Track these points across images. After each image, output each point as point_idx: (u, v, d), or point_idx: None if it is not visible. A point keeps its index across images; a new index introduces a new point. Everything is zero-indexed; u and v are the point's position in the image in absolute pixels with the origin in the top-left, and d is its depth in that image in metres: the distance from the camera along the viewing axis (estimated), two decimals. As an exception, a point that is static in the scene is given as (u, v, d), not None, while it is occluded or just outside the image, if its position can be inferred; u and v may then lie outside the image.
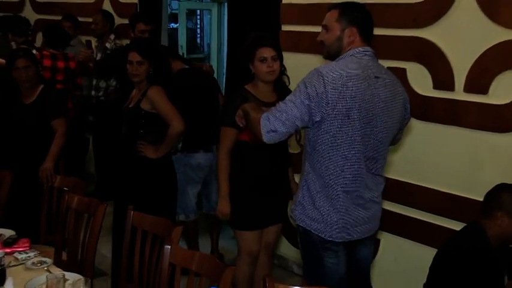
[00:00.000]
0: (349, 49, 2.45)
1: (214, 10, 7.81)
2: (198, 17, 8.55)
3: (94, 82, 5.19)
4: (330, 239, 2.50)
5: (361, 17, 2.47)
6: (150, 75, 3.34)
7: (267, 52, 2.93)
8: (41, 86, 3.79)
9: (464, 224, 3.02)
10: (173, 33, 7.40)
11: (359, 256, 2.69)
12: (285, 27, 3.86)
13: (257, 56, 2.94)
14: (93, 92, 5.21)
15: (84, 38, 5.46)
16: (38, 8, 6.52)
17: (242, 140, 3.00)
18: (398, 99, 2.52)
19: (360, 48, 2.44)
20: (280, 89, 3.03)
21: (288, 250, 4.07)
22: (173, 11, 8.05)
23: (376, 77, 2.43)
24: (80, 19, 5.55)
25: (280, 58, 3.01)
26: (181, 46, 7.45)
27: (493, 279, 2.45)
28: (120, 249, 2.88)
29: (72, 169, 3.86)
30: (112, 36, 5.13)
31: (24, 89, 3.73)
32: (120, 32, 5.27)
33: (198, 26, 8.57)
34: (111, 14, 5.28)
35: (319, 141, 2.43)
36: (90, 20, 5.27)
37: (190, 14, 8.29)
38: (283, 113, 2.39)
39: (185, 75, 3.90)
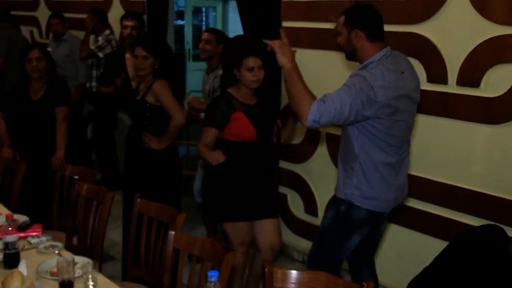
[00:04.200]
0: (369, 53, 2.63)
1: (219, 7, 7.94)
2: (204, 14, 8.70)
3: (94, 73, 5.40)
4: (382, 211, 2.77)
5: (364, 19, 2.64)
6: (156, 70, 3.46)
7: (254, 61, 3.01)
8: (49, 81, 3.93)
9: (456, 212, 3.17)
10: (180, 30, 7.55)
11: (380, 230, 3.00)
12: (286, 24, 3.97)
13: (244, 64, 3.01)
14: (93, 83, 5.41)
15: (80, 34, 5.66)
16: (52, 6, 6.66)
17: (226, 138, 3.12)
18: (417, 86, 2.78)
19: (381, 52, 2.63)
20: (260, 91, 3.16)
21: (288, 237, 4.19)
22: (180, 9, 8.20)
23: (402, 72, 2.64)
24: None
25: (265, 66, 3.07)
26: (188, 42, 7.61)
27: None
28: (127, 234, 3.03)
29: (76, 158, 4.01)
30: (107, 32, 5.38)
31: (35, 81, 3.87)
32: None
33: (204, 23, 8.72)
34: (102, 11, 5.53)
35: (367, 133, 2.64)
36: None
37: (196, 11, 8.44)
38: (336, 112, 2.49)
39: None
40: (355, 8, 2.72)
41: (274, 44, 2.59)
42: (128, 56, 4.36)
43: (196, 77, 7.71)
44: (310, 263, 2.94)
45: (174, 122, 3.43)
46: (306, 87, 2.57)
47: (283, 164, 4.21)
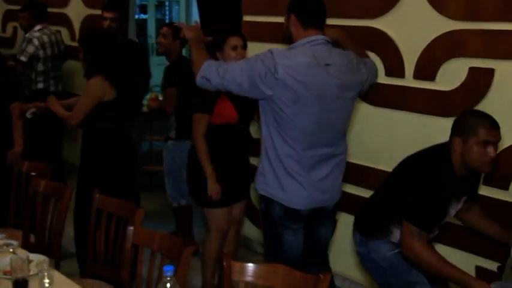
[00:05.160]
0: (299, 39, 2.60)
1: (183, 1, 7.91)
2: (167, 8, 8.65)
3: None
4: (294, 207, 2.73)
5: (298, 5, 2.63)
6: (91, 64, 3.45)
7: (238, 41, 3.12)
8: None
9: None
10: (143, 24, 7.49)
11: (320, 233, 2.94)
12: (247, 18, 3.98)
13: (228, 43, 3.10)
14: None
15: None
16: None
17: (209, 122, 3.15)
18: (354, 81, 2.71)
19: (308, 38, 2.58)
20: None
21: (251, 231, 4.22)
22: (143, 2, 8.13)
23: (327, 64, 2.57)
24: (49, 10, 5.54)
25: (245, 48, 3.18)
26: (151, 36, 7.54)
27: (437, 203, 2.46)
28: (83, 231, 3.01)
29: (44, 154, 3.95)
30: (37, 27, 5.09)
31: None
32: (90, 22, 5.34)
33: (167, 17, 8.67)
34: (35, 3, 5.24)
35: (271, 118, 2.61)
36: (59, 10, 5.30)
37: (160, 5, 8.38)
38: (226, 72, 2.57)
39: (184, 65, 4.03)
40: None
41: (182, 24, 2.86)
42: None
43: (159, 71, 7.66)
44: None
45: (68, 120, 3.45)
46: (206, 54, 2.72)
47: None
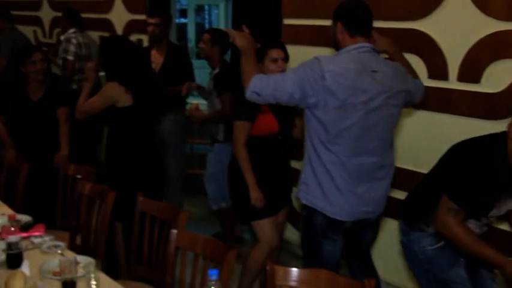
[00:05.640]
0: (346, 46, 2.59)
1: (222, 5, 7.97)
2: (207, 12, 8.73)
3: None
4: (338, 218, 2.68)
5: (345, 12, 2.61)
6: (107, 70, 3.50)
7: (279, 53, 3.10)
8: (48, 81, 3.96)
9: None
10: (183, 28, 7.58)
11: (363, 240, 2.95)
12: (287, 21, 3.98)
13: (269, 56, 3.09)
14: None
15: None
16: (55, 6, 6.68)
17: (251, 134, 3.15)
18: (401, 89, 2.64)
19: (355, 45, 2.56)
20: None
21: (292, 234, 4.21)
22: (182, 7, 8.23)
23: (373, 71, 2.54)
24: (93, 16, 5.73)
25: (287, 60, 3.17)
26: (190, 40, 7.63)
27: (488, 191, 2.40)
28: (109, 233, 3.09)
29: (82, 157, 4.02)
30: (71, 30, 5.41)
31: (35, 82, 3.89)
32: (132, 27, 5.44)
33: (207, 21, 8.75)
34: (68, 9, 5.56)
35: (314, 124, 2.58)
36: (103, 16, 5.43)
37: (199, 9, 8.47)
38: (277, 84, 2.53)
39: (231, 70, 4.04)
40: (342, 2, 2.67)
41: (232, 30, 2.68)
42: (153, 52, 4.42)
43: (199, 74, 7.72)
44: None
45: (76, 111, 3.48)
46: (257, 66, 2.66)
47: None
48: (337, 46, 2.66)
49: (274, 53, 3.09)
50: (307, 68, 2.51)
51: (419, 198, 2.64)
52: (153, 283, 2.88)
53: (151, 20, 4.46)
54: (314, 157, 2.63)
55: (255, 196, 3.13)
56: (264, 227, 3.23)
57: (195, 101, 4.24)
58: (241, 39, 2.64)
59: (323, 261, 2.72)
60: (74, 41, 5.30)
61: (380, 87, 2.54)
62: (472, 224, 2.46)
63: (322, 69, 2.47)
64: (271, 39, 3.24)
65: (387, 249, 3.51)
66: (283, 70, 3.05)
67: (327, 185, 2.61)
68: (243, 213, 3.32)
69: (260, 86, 2.53)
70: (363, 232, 2.86)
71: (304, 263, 2.89)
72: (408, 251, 2.66)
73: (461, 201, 2.36)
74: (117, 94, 3.37)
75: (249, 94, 2.56)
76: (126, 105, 3.39)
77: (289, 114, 3.25)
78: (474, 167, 2.36)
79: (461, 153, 2.45)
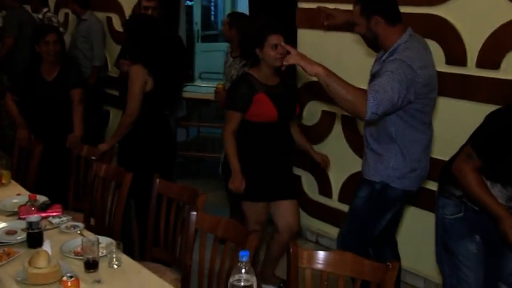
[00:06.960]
0: (393, 37, 2.67)
1: (228, -12, 7.91)
2: (213, -6, 8.68)
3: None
4: (415, 189, 2.92)
5: (380, 5, 2.69)
6: (132, 53, 3.49)
7: (278, 39, 3.00)
8: (62, 62, 3.93)
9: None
10: (189, 11, 7.52)
11: (402, 208, 3.15)
12: (302, 5, 3.94)
13: (269, 42, 3.02)
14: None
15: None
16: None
17: (247, 119, 3.14)
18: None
19: (407, 32, 2.68)
20: (279, 71, 3.12)
21: (302, 218, 4.17)
22: (188, -10, 8.14)
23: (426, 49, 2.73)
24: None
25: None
26: (196, 23, 7.58)
27: None
28: (143, 215, 3.05)
29: (91, 139, 4.00)
30: (45, 9, 5.75)
31: (48, 63, 3.86)
32: (140, 9, 5.37)
33: (213, 4, 8.69)
34: None
35: (405, 116, 2.71)
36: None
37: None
38: (394, 92, 2.51)
39: None
40: None
41: (296, 59, 2.57)
42: None
43: (204, 57, 7.69)
44: (341, 243, 2.97)
45: (124, 117, 3.45)
46: (349, 84, 2.53)
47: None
48: (375, 40, 2.71)
49: (275, 39, 3.01)
50: (401, 74, 2.54)
51: (450, 161, 2.66)
52: (168, 265, 2.89)
53: (149, 4, 4.34)
54: (405, 144, 2.76)
55: (234, 182, 3.13)
56: (255, 209, 3.22)
57: (222, 83, 4.19)
58: (312, 66, 2.52)
59: (375, 229, 2.92)
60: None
61: (433, 60, 2.77)
62: (498, 191, 2.43)
63: (413, 69, 2.56)
64: (269, 23, 3.12)
65: (423, 240, 3.46)
66: (283, 56, 2.92)
67: (410, 160, 2.80)
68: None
69: (376, 107, 2.49)
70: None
71: (348, 232, 2.98)
72: (436, 216, 2.72)
73: (481, 151, 2.38)
74: (144, 76, 3.38)
75: (369, 117, 2.51)
76: (146, 91, 3.40)
77: (290, 101, 3.23)
78: (501, 122, 2.38)
79: (492, 113, 2.48)
